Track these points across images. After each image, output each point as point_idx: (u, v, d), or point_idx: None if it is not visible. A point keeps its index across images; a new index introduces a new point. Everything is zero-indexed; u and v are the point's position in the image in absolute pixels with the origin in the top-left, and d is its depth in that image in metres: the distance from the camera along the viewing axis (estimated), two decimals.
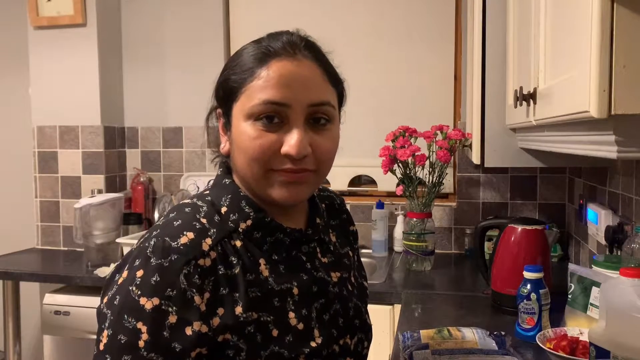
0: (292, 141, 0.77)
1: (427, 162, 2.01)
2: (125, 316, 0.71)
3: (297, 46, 0.80)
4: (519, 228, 1.57)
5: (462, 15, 2.33)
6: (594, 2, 0.70)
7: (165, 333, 0.71)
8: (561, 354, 1.14)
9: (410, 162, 1.97)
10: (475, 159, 1.68)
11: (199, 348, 0.73)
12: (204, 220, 0.78)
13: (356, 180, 2.55)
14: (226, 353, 0.75)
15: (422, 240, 2.06)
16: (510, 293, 1.47)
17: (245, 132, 0.79)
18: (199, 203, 0.82)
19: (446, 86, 2.41)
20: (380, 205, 2.37)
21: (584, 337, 1.18)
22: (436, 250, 2.16)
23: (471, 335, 1.26)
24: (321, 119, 0.80)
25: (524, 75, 1.24)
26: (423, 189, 2.08)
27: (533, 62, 1.15)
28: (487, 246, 2.19)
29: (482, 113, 1.66)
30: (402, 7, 2.42)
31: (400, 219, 2.38)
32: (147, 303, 0.71)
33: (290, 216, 0.86)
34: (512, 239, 1.57)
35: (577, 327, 1.27)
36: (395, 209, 2.41)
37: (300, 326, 0.80)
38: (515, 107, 1.21)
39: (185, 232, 0.75)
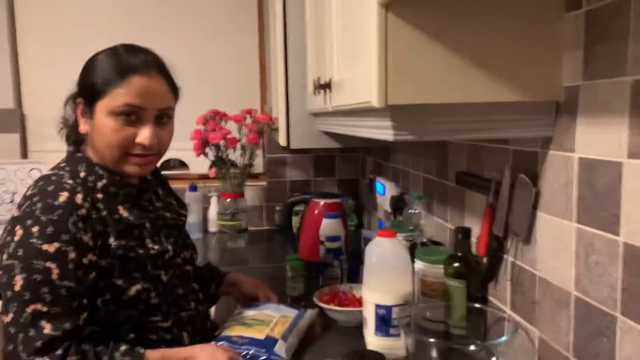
0: (145, 134, 1.07)
1: (239, 145, 2.12)
2: (34, 261, 0.97)
3: (152, 66, 1.08)
4: (321, 202, 1.77)
5: (264, 7, 2.46)
6: (372, 11, 0.86)
7: (70, 265, 0.98)
8: (325, 305, 1.36)
9: (222, 145, 2.05)
10: (282, 141, 1.84)
11: (93, 272, 1.02)
12: (70, 182, 1.05)
13: (165, 164, 2.55)
14: (108, 273, 1.04)
15: (236, 219, 2.17)
16: (316, 260, 1.66)
17: (109, 124, 1.06)
18: (60, 172, 1.08)
19: (252, 73, 2.54)
20: (193, 188, 2.41)
21: (355, 291, 1.42)
22: (249, 228, 2.29)
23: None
24: (164, 118, 1.11)
25: (322, 67, 1.41)
26: (235, 171, 2.18)
27: (328, 56, 1.31)
28: (295, 220, 2.40)
29: (286, 100, 1.81)
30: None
31: (214, 200, 2.45)
32: (50, 247, 0.97)
33: (130, 178, 1.14)
34: (316, 211, 1.77)
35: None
36: (209, 191, 2.48)
37: (156, 247, 1.12)
38: (315, 94, 1.37)
39: (60, 193, 1.02)
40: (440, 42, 0.88)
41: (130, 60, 1.06)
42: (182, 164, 2.58)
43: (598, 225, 0.84)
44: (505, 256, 1.14)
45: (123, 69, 1.05)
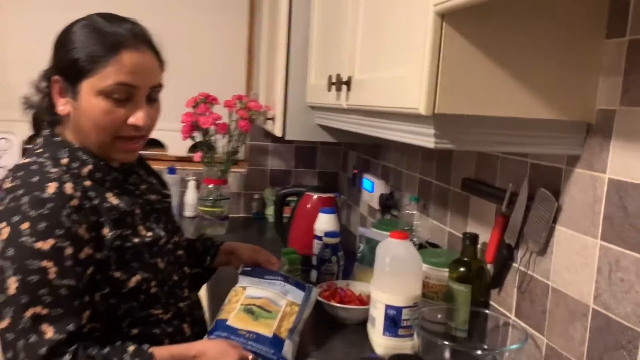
0: (139, 115, 1.00)
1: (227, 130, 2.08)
2: (28, 261, 0.89)
3: (140, 38, 1.00)
4: (315, 195, 1.77)
5: None
6: (428, 20, 0.87)
7: (68, 262, 0.92)
8: (326, 301, 1.36)
9: (212, 129, 2.01)
10: (278, 131, 1.82)
11: (90, 267, 0.96)
12: (54, 170, 0.97)
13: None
14: (105, 266, 0.98)
15: (218, 206, 2.14)
16: (307, 253, 1.66)
17: (98, 105, 0.97)
18: (40, 160, 0.99)
19: (239, 58, 2.49)
20: (172, 171, 2.35)
21: (353, 288, 1.43)
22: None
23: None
24: (153, 95, 1.04)
25: (337, 63, 1.40)
26: (221, 156, 2.14)
27: (347, 53, 1.30)
28: (274, 210, 2.38)
29: (285, 90, 1.79)
30: None
31: (192, 184, 2.40)
32: (45, 244, 0.90)
33: (111, 161, 1.06)
34: (309, 205, 1.77)
35: (364, 281, 1.51)
36: (187, 175, 2.42)
37: (149, 234, 1.06)
38: (329, 90, 1.36)
39: (47, 184, 0.93)
40: (488, 55, 0.89)
41: (116, 32, 0.97)
42: (156, 144, 2.50)
43: (626, 245, 0.88)
44: (514, 264, 1.18)
45: (111, 43, 0.96)
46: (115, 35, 0.97)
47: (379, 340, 1.20)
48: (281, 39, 1.78)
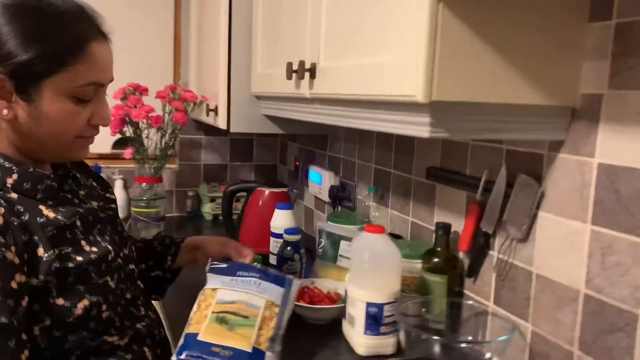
0: (105, 114, 0.91)
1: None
2: None
3: (97, 24, 0.89)
4: (267, 190, 1.68)
5: None
6: (423, 3, 0.81)
7: None
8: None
9: (145, 123, 1.84)
10: (222, 123, 1.70)
11: (25, 297, 0.80)
12: None
13: None
14: (43, 293, 0.82)
15: (152, 206, 1.98)
16: (263, 252, 1.56)
17: (65, 108, 0.85)
18: None
19: (166, 46, 2.32)
20: (96, 169, 2.14)
21: (319, 285, 1.35)
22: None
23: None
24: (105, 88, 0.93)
25: (294, 51, 1.31)
26: (154, 152, 1.98)
27: (310, 40, 1.22)
28: (211, 207, 2.26)
29: (228, 80, 1.68)
30: None
31: (119, 184, 2.21)
32: None
33: (42, 164, 0.92)
34: (261, 201, 1.67)
35: (327, 278, 1.44)
36: (113, 173, 2.23)
37: (94, 249, 0.90)
38: (289, 78, 1.27)
39: None
40: (483, 39, 0.85)
41: (76, 19, 0.85)
42: None
43: (620, 229, 0.88)
44: (491, 253, 1.17)
45: (75, 35, 0.84)
46: (77, 25, 0.84)
47: (360, 339, 1.14)
48: (222, 27, 1.66)
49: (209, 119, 1.81)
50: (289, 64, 1.28)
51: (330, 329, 1.24)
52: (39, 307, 0.82)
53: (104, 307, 0.89)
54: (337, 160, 1.89)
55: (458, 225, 1.25)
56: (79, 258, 0.87)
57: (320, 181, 1.90)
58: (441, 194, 1.34)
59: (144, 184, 1.97)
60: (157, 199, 1.99)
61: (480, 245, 1.18)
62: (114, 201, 1.09)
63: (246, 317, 1.01)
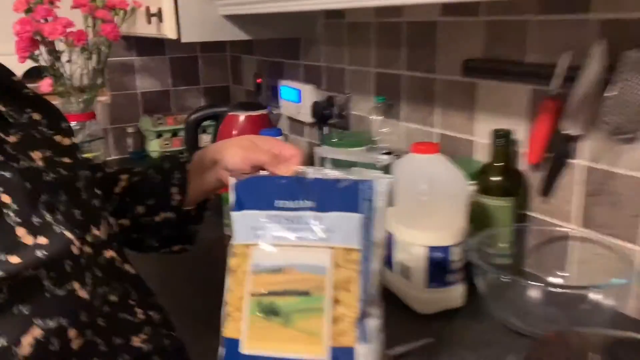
0: None
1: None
2: None
3: None
4: (242, 115, 1.32)
5: None
6: None
7: None
8: None
9: (66, 42, 1.39)
10: (171, 32, 1.29)
11: None
12: None
13: None
14: None
15: (89, 150, 1.56)
16: None
17: None
18: None
19: None
20: None
21: None
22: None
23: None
24: None
25: None
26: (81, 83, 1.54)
27: None
28: (159, 144, 1.88)
29: None
30: None
31: None
32: None
33: None
34: (235, 130, 1.32)
35: None
36: None
37: (43, 240, 0.51)
38: None
39: None
40: None
41: None
42: None
43: None
44: (576, 161, 0.90)
45: None
46: None
47: (421, 295, 0.86)
48: None
49: (151, 29, 1.38)
50: None
51: None
52: None
53: (72, 332, 0.53)
54: (316, 70, 1.53)
55: (518, 131, 0.97)
56: (14, 260, 0.50)
57: (299, 98, 1.54)
58: (487, 93, 1.04)
59: (74, 123, 1.53)
60: (94, 140, 1.57)
61: (560, 153, 0.90)
62: (72, 146, 0.64)
63: (306, 293, 0.58)
